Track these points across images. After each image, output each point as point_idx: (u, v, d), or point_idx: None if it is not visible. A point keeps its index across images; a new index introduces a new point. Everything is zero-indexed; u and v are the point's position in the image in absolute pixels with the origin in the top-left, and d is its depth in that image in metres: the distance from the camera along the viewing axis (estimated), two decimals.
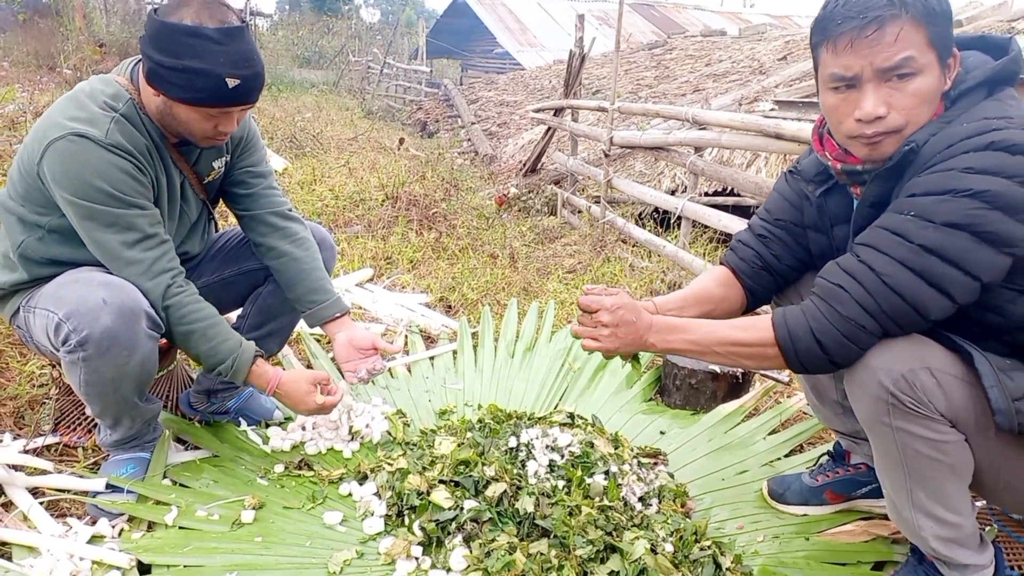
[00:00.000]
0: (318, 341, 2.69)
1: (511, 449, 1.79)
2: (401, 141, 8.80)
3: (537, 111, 7.61)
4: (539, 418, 2.07)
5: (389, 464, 1.81)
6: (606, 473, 1.72)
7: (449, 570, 1.48)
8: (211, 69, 1.48)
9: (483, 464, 1.72)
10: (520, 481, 1.67)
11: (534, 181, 6.83)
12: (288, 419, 2.12)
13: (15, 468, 1.75)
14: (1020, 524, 1.51)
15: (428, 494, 1.65)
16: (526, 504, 1.58)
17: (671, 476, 1.89)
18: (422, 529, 1.59)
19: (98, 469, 1.80)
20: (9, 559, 1.49)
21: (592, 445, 1.82)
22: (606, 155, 5.07)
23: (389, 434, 2.04)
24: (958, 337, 1.24)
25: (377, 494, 1.74)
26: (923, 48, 1.17)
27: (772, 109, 6.28)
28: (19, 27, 13.16)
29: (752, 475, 1.94)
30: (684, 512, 1.73)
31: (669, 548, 1.53)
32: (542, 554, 1.48)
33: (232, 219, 2.02)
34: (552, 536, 1.53)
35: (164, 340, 1.68)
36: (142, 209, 1.59)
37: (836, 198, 1.45)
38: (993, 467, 1.26)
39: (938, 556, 1.34)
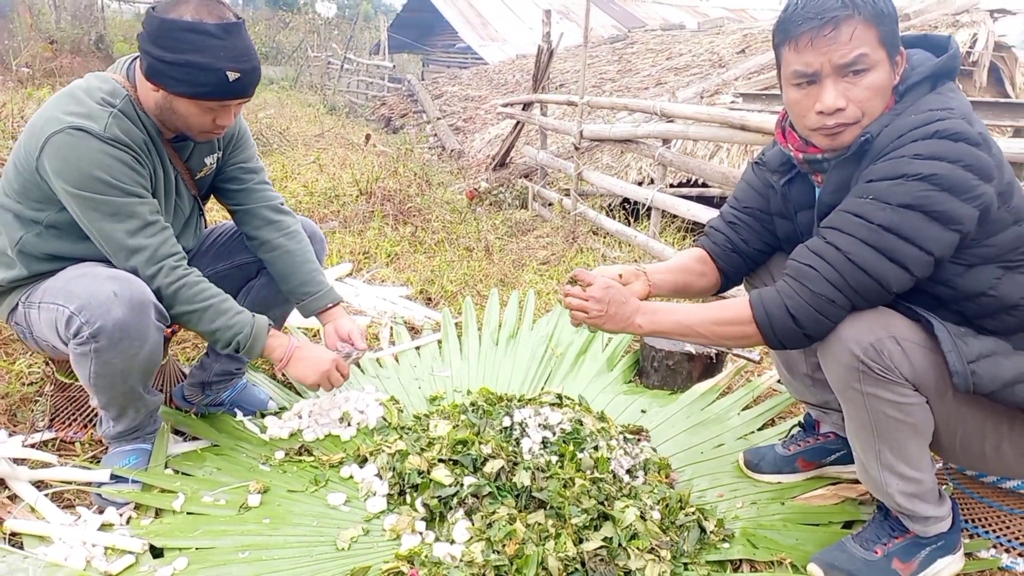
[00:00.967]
0: (305, 333, 2.74)
1: (505, 428, 1.88)
2: (368, 137, 8.77)
3: (505, 106, 7.67)
4: (530, 399, 2.17)
5: (388, 447, 1.89)
6: (595, 448, 1.83)
7: (453, 542, 1.56)
8: (212, 63, 1.53)
9: (480, 443, 1.80)
10: (516, 457, 1.76)
11: (504, 175, 6.89)
12: (283, 408, 2.17)
13: (17, 462, 1.77)
14: (973, 480, 1.66)
15: (429, 473, 1.73)
16: (523, 478, 1.67)
17: (654, 451, 2.00)
18: (425, 505, 1.67)
19: (98, 462, 1.84)
20: (21, 549, 1.52)
21: (581, 423, 1.92)
22: (576, 148, 5.17)
23: (384, 419, 2.11)
24: (918, 307, 1.36)
25: (378, 475, 1.81)
26: (875, 46, 1.30)
27: (734, 101, 6.46)
28: None
29: (729, 448, 2.07)
30: (668, 483, 1.84)
31: (657, 515, 1.64)
32: (540, 523, 1.58)
33: (217, 216, 2.06)
34: (549, 507, 1.62)
35: (168, 330, 1.72)
36: (141, 198, 1.63)
37: (799, 186, 1.58)
38: (950, 426, 1.40)
39: (902, 510, 1.47)
